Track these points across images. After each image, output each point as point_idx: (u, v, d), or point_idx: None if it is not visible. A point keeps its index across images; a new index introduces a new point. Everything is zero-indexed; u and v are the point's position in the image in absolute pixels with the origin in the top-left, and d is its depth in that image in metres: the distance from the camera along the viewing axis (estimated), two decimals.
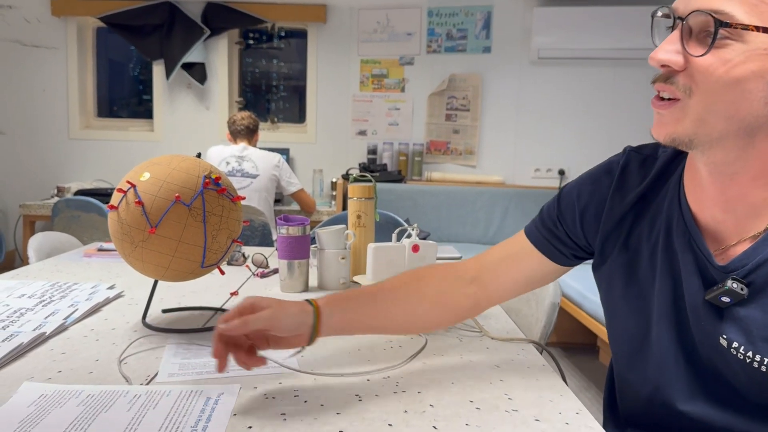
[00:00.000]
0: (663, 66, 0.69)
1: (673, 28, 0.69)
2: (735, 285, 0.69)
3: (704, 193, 0.75)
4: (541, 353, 1.04)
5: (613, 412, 0.95)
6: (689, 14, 0.66)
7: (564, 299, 3.03)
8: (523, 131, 4.30)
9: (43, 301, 1.22)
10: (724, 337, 0.71)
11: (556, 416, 0.76)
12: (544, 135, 4.28)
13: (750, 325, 0.69)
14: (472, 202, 4.09)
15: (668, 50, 0.68)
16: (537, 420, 0.75)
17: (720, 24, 0.64)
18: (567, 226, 0.93)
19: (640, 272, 0.84)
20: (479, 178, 4.28)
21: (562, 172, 4.28)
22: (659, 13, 0.72)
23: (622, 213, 0.86)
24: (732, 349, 0.71)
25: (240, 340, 0.80)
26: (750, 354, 0.69)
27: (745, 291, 0.69)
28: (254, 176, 3.27)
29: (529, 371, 0.93)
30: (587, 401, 2.53)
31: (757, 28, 0.63)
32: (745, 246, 0.72)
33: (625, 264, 0.86)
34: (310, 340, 0.83)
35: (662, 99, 0.70)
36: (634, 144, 0.90)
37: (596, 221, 0.89)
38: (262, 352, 0.81)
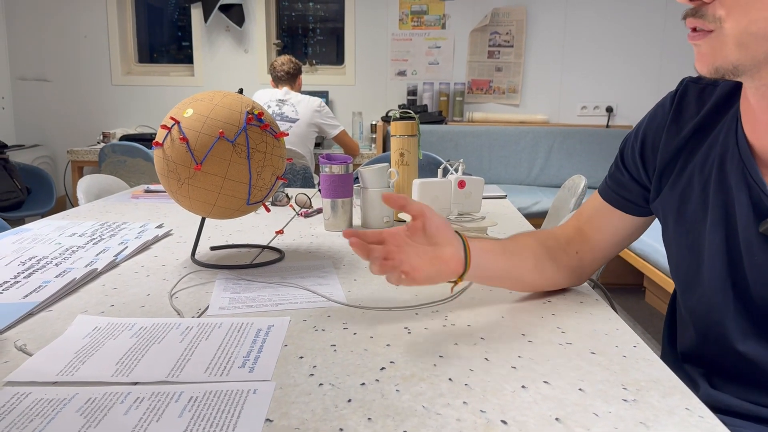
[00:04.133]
0: (692, 0, 0.65)
1: None
2: None
3: (758, 120, 0.71)
4: (593, 288, 1.02)
5: (672, 347, 0.93)
6: None
7: None
8: (569, 67, 4.14)
9: (94, 239, 1.24)
10: None
11: (612, 349, 0.74)
12: (591, 70, 4.12)
13: None
14: (515, 142, 4.00)
15: None
16: (593, 353, 0.73)
17: None
18: (630, 168, 0.90)
19: (690, 208, 0.81)
20: (523, 117, 4.17)
21: (610, 110, 4.13)
22: None
23: (678, 146, 0.82)
24: None
25: (379, 253, 0.76)
26: None
27: None
28: (294, 121, 3.25)
29: (581, 306, 0.90)
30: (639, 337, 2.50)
31: None
32: None
33: (676, 199, 0.83)
34: (465, 264, 0.80)
35: (695, 30, 0.67)
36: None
37: (654, 156, 0.86)
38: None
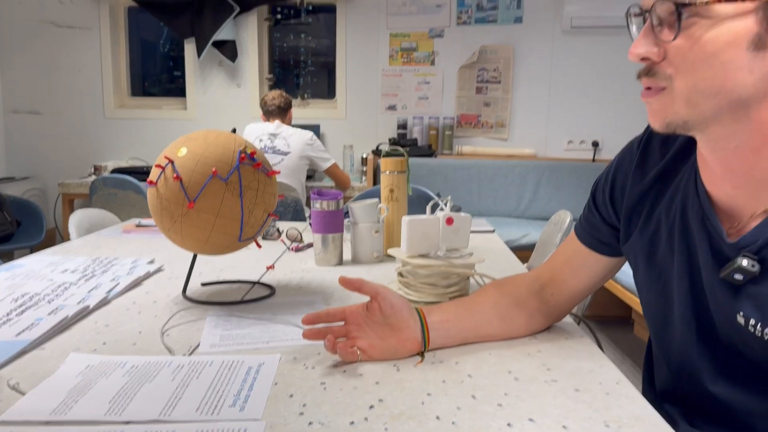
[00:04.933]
0: (643, 59, 0.69)
1: (644, 21, 0.69)
2: (746, 262, 0.68)
3: (713, 172, 0.74)
4: (578, 324, 1.04)
5: (651, 386, 0.95)
6: (653, 4, 0.67)
7: None
8: (555, 103, 4.22)
9: (86, 275, 1.25)
10: (741, 314, 0.71)
11: (596, 386, 0.76)
12: (577, 106, 4.20)
13: (764, 302, 0.68)
14: (504, 175, 4.05)
15: (644, 43, 0.68)
16: (577, 390, 0.75)
17: (681, 6, 0.64)
18: (601, 210, 0.94)
19: (660, 252, 0.83)
20: (511, 151, 4.23)
21: (596, 144, 4.20)
22: (631, 11, 0.72)
23: (642, 191, 0.86)
24: (750, 327, 0.70)
25: (339, 331, 0.85)
26: (767, 331, 0.68)
27: (756, 267, 0.68)
28: (286, 153, 3.30)
29: (567, 342, 0.92)
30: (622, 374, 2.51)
31: (718, 0, 0.62)
32: (757, 221, 0.70)
33: (646, 244, 0.86)
34: (423, 339, 0.86)
35: (649, 89, 0.70)
36: None
37: (621, 199, 0.90)
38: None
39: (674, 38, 0.65)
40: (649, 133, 0.86)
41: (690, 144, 0.81)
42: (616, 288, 2.79)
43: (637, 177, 0.87)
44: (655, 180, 0.84)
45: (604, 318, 3.39)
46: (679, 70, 0.66)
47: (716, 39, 0.63)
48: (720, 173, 0.73)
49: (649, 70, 0.69)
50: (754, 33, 0.62)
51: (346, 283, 0.86)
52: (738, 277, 0.70)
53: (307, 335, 0.83)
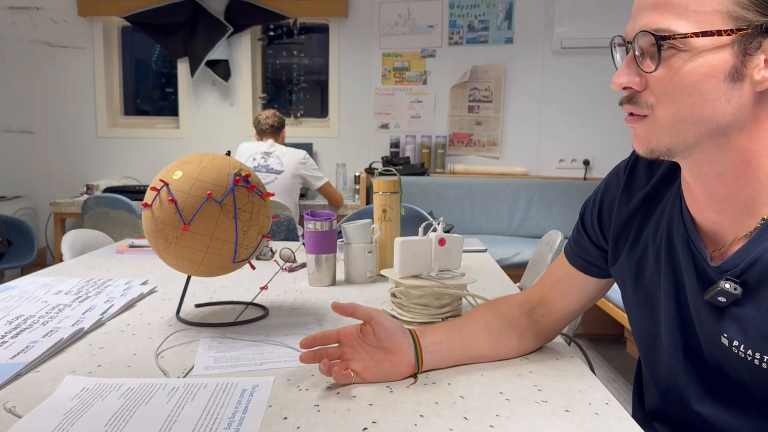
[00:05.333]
0: (625, 88, 0.72)
1: (627, 51, 0.72)
2: (728, 285, 0.70)
3: (696, 198, 0.77)
4: (569, 345, 1.05)
5: (641, 404, 0.96)
6: (635, 36, 0.70)
7: None
8: (546, 122, 4.27)
9: (80, 297, 1.26)
10: (725, 336, 0.72)
11: (585, 407, 0.77)
12: (568, 125, 4.25)
13: (747, 324, 0.70)
14: (496, 194, 4.08)
15: (626, 73, 0.71)
16: (567, 411, 0.76)
17: (661, 38, 0.67)
18: (589, 232, 0.96)
19: (647, 275, 0.85)
20: (503, 169, 4.27)
21: (587, 163, 4.24)
22: (615, 41, 0.76)
23: (629, 214, 0.88)
24: (733, 348, 0.72)
25: (334, 353, 0.86)
26: (750, 352, 0.70)
27: (739, 290, 0.70)
28: (279, 172, 3.32)
29: (557, 363, 0.94)
30: (615, 392, 2.52)
31: (696, 34, 0.65)
32: (739, 245, 0.72)
33: (634, 266, 0.87)
34: (417, 362, 0.87)
35: (632, 115, 0.73)
36: None
37: (609, 222, 0.92)
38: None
39: (655, 69, 0.68)
40: (635, 157, 0.88)
41: (674, 168, 0.83)
42: (609, 306, 2.80)
43: (623, 200, 0.89)
44: (642, 203, 0.86)
45: (597, 336, 3.40)
46: (660, 99, 0.69)
47: (694, 71, 0.66)
48: (703, 199, 0.75)
49: (630, 98, 0.72)
50: (730, 65, 0.65)
51: (339, 309, 0.87)
52: (721, 299, 0.71)
53: (304, 359, 0.84)
